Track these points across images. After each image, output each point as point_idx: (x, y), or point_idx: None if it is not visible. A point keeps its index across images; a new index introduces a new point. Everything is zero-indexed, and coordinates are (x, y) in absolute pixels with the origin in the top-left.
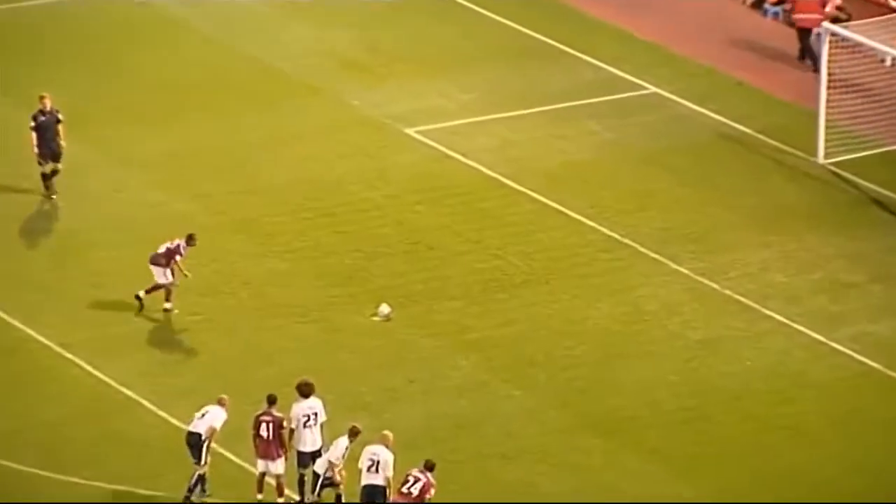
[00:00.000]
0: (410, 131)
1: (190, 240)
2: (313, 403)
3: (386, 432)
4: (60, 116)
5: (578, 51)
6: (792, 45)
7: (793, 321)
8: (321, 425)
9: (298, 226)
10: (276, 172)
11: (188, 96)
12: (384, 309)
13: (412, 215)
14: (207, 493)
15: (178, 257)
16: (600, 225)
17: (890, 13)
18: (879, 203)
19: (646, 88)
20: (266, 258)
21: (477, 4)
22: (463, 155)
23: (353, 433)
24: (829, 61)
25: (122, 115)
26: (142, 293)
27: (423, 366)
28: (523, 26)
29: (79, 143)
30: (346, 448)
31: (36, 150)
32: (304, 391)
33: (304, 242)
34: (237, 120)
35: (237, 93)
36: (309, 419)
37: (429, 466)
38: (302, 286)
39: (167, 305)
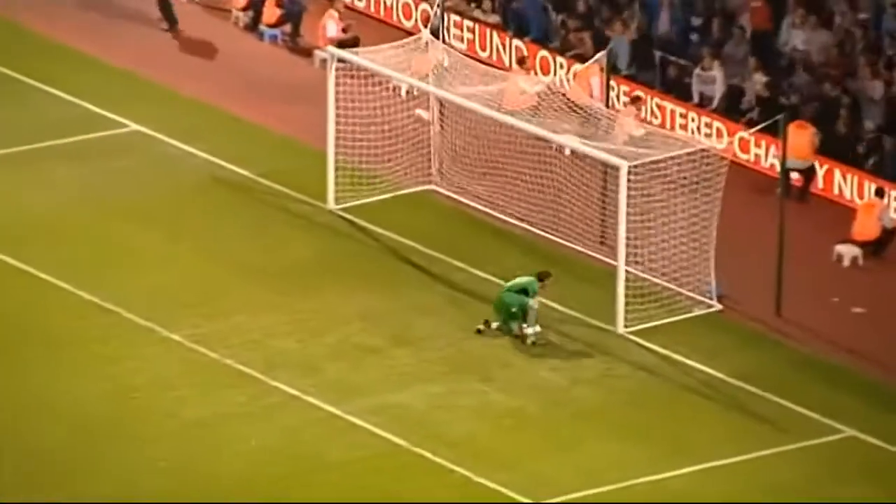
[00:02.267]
0: None
1: None
2: None
3: None
4: None
5: (40, 81)
6: (294, 73)
7: (305, 393)
8: None
9: None
10: None
11: None
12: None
13: None
14: None
15: None
16: (77, 288)
17: (404, 35)
18: (398, 253)
19: (125, 126)
20: None
21: None
22: None
23: None
24: (338, 92)
25: None
26: None
27: None
28: None
29: None
30: None
31: None
32: None
33: None
34: None
35: None
36: None
37: None
38: None
39: None
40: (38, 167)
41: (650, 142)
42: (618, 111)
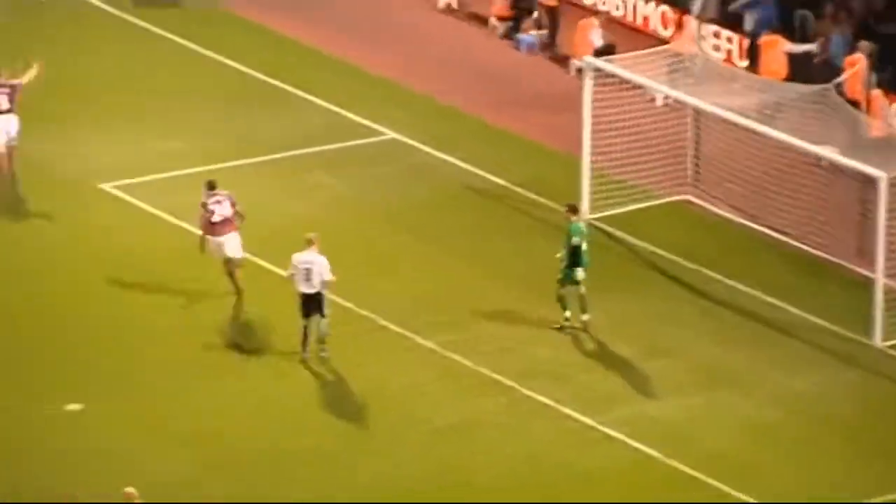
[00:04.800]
0: (106, 187)
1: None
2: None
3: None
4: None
5: (303, 90)
6: (550, 82)
7: (558, 402)
8: None
9: None
10: None
11: None
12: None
13: (109, 289)
14: None
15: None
16: (333, 293)
17: (658, 44)
18: (651, 263)
19: (383, 134)
20: None
21: (180, 35)
22: (171, 214)
23: None
24: (594, 100)
25: None
26: None
27: (123, 469)
28: (237, 62)
29: None
30: None
31: None
32: None
33: None
34: None
35: None
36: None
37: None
38: None
39: None
40: (298, 174)
41: None
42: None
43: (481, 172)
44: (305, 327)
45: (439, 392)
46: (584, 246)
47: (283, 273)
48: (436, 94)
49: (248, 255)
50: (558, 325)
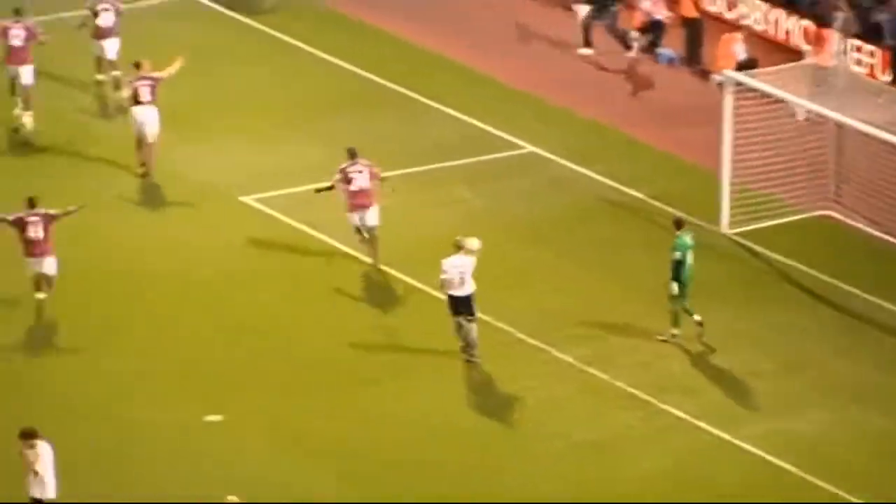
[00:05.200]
0: (247, 199)
1: None
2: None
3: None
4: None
5: (442, 103)
6: (691, 94)
7: (694, 416)
8: None
9: (100, 312)
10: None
11: None
12: None
13: (247, 298)
14: None
15: None
16: None
17: (800, 58)
18: (790, 278)
19: (521, 147)
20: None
21: (319, 48)
22: (310, 226)
23: None
24: (734, 114)
25: None
26: None
27: (258, 480)
28: (376, 75)
29: None
30: None
31: None
32: None
33: (116, 333)
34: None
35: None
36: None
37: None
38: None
39: None
40: (437, 187)
41: None
42: None
43: (618, 185)
44: (458, 322)
45: (577, 406)
46: (690, 260)
47: (421, 284)
48: (574, 106)
49: (387, 269)
50: (662, 338)
